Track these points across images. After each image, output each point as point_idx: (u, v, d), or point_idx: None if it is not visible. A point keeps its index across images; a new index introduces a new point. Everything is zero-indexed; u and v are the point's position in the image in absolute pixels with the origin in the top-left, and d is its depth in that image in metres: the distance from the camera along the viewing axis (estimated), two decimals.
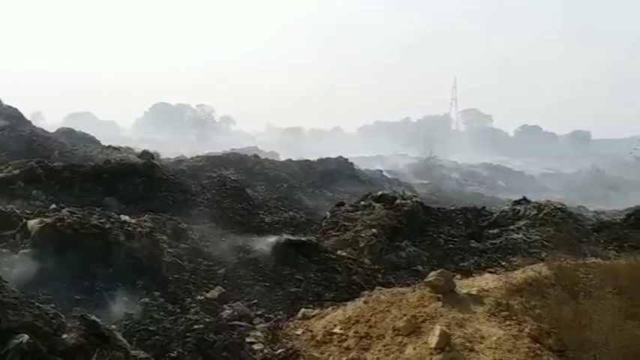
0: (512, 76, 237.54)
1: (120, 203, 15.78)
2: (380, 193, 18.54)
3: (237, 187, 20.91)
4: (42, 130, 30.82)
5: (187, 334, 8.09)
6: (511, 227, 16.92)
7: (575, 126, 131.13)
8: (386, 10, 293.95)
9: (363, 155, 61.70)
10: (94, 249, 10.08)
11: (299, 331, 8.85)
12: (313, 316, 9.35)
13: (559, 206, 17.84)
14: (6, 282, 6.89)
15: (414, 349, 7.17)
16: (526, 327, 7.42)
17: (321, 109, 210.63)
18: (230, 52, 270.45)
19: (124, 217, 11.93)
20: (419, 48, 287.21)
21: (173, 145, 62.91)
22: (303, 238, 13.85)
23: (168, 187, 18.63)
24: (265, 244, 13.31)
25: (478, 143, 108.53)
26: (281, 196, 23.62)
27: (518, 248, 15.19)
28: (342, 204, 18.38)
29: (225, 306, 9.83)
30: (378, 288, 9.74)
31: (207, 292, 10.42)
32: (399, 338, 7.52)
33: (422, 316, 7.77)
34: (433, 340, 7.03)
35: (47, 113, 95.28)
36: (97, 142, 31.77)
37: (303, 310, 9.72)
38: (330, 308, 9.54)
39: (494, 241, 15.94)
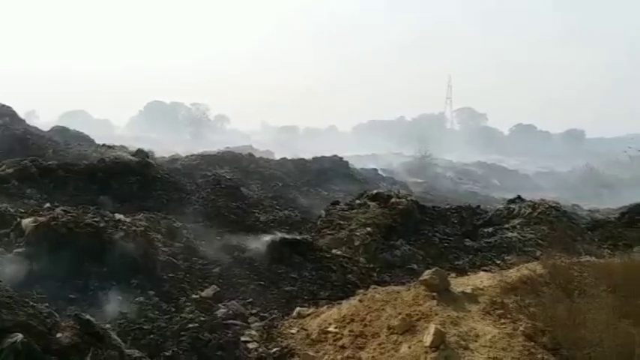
0: (507, 75, 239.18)
1: (114, 202, 15.74)
2: (375, 191, 18.56)
3: (232, 186, 20.84)
4: (36, 128, 30.72)
5: (182, 332, 8.07)
6: (506, 226, 16.95)
7: (570, 125, 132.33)
8: (382, 10, 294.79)
9: (358, 154, 61.81)
10: (88, 248, 10.07)
11: (294, 330, 8.83)
12: (308, 314, 9.34)
13: (553, 205, 17.88)
14: (0, 281, 6.86)
15: (409, 347, 7.18)
16: (520, 325, 7.43)
17: (316, 107, 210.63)
18: (225, 51, 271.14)
19: (119, 216, 11.91)
20: (414, 47, 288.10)
21: (168, 144, 62.78)
22: (298, 237, 13.83)
23: (163, 186, 18.58)
24: (260, 242, 13.27)
25: (473, 142, 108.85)
26: (276, 194, 23.57)
27: (512, 247, 15.22)
28: (337, 203, 18.36)
29: (219, 305, 9.79)
30: (373, 287, 9.71)
31: (202, 290, 10.38)
32: (394, 337, 7.53)
33: (417, 314, 7.77)
34: (428, 339, 7.03)
35: (41, 112, 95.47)
36: (92, 141, 31.71)
37: (298, 308, 9.70)
38: (325, 307, 9.53)
39: (488, 240, 15.97)
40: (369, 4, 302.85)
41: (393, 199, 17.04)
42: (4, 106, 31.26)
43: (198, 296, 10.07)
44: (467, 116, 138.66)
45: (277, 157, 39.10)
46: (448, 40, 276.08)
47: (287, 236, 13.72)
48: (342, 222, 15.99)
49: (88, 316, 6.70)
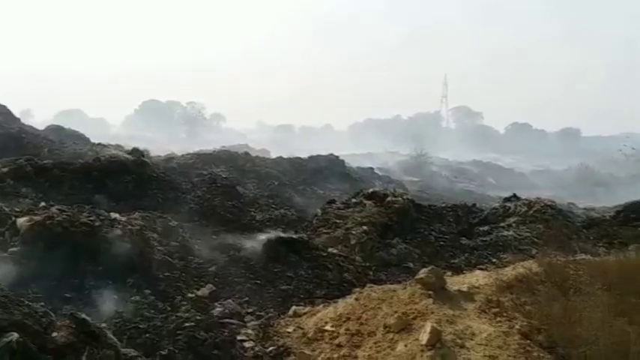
0: (503, 73, 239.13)
1: (110, 201, 15.72)
2: (371, 190, 18.58)
3: (228, 185, 20.83)
4: (31, 127, 30.67)
5: (178, 332, 8.05)
6: (501, 224, 16.98)
7: (565, 123, 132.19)
8: (377, 9, 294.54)
9: (354, 153, 61.92)
10: (83, 247, 10.05)
11: (290, 329, 8.83)
12: (304, 313, 9.34)
13: (549, 203, 17.92)
14: None
15: (405, 345, 7.19)
16: (516, 323, 7.46)
17: (312, 106, 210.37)
18: (220, 50, 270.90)
19: (114, 215, 11.90)
20: (409, 46, 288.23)
21: (163, 143, 62.58)
22: (294, 236, 13.81)
23: (159, 185, 18.56)
24: (256, 241, 13.27)
25: (468, 140, 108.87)
26: (272, 193, 23.54)
27: (508, 245, 15.22)
28: (333, 201, 18.37)
29: (216, 304, 9.80)
30: (369, 285, 9.74)
31: (198, 289, 10.37)
32: (390, 335, 7.54)
33: (413, 313, 7.78)
34: (424, 337, 7.04)
35: (36, 111, 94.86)
36: (87, 140, 31.65)
37: (294, 307, 9.71)
38: (321, 305, 9.54)
39: (484, 238, 15.99)
40: (366, 4, 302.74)
41: (388, 198, 17.05)
42: None
43: (194, 295, 10.05)
44: (463, 115, 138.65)
45: (273, 155, 39.05)
46: (443, 38, 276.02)
47: (283, 235, 13.72)
48: (338, 221, 16.00)
49: (83, 315, 6.69)
